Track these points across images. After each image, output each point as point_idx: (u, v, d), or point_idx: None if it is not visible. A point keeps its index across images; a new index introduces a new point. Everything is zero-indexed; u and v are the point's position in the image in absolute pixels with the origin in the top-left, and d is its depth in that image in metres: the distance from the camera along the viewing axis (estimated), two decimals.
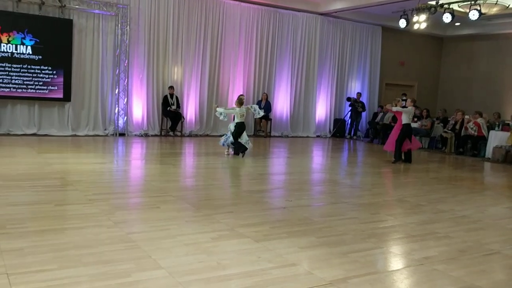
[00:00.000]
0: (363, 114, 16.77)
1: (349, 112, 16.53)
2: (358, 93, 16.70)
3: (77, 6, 12.00)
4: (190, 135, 13.99)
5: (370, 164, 10.64)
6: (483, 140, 12.96)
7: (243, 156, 9.79)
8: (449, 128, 13.94)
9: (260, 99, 15.06)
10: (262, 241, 4.23)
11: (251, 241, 4.22)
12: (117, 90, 12.73)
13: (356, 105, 16.28)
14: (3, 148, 9.33)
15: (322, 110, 16.62)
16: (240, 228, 4.59)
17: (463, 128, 13.43)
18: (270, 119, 15.28)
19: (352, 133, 16.57)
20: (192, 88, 13.98)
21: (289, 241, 4.30)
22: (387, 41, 17.55)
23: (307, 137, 16.11)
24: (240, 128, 9.88)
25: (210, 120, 14.46)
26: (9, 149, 9.21)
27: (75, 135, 12.23)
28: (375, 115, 16.49)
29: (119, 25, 12.56)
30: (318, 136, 16.43)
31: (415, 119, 13.80)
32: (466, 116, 13.58)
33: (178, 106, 13.57)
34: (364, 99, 16.97)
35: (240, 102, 10.19)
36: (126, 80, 12.79)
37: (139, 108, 13.20)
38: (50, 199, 5.42)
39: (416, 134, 14.45)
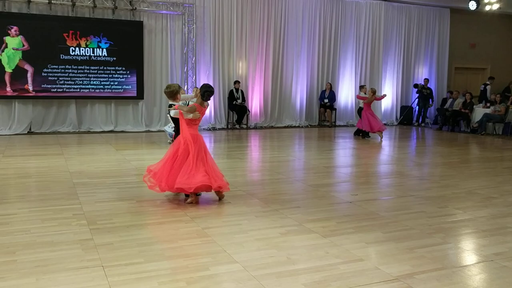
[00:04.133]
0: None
1: (417, 99, 16.12)
2: (425, 79, 16.22)
3: (146, 8, 12.63)
4: (255, 127, 14.34)
5: (440, 153, 10.42)
6: None
7: None
8: None
9: (324, 89, 15.08)
10: (330, 236, 4.40)
11: (318, 236, 4.41)
12: (185, 87, 13.28)
13: (424, 91, 15.85)
14: (86, 146, 10.12)
15: (388, 97, 16.32)
16: (307, 223, 4.79)
17: None
18: (335, 109, 15.27)
19: (420, 120, 16.18)
20: (257, 81, 14.28)
21: (356, 236, 4.44)
22: (456, 23, 16.86)
23: None
24: None
25: (275, 112, 14.75)
26: (90, 147, 9.97)
27: (149, 131, 12.96)
28: (444, 101, 15.97)
29: (186, 24, 13.07)
30: (384, 124, 16.17)
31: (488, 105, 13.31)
32: None
33: (244, 99, 13.93)
34: (432, 85, 16.47)
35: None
36: (194, 76, 13.31)
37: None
38: (132, 196, 5.91)
39: (490, 119, 13.89)
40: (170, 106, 5.60)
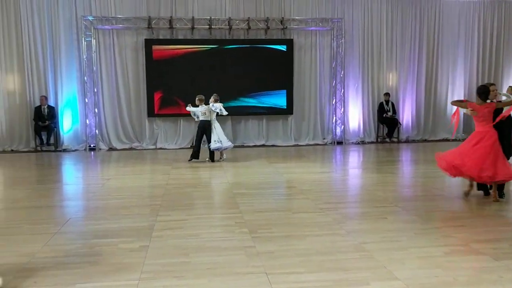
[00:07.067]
0: None
1: None
2: None
3: (296, 26, 13.07)
4: (407, 141, 13.77)
5: None
6: None
7: (211, 161, 10.03)
8: None
9: None
10: (503, 259, 4.02)
11: (489, 258, 4.05)
12: (334, 101, 13.37)
13: None
14: (241, 159, 10.73)
15: None
16: (475, 243, 4.43)
17: None
18: None
19: None
20: (408, 92, 13.78)
21: None
22: None
23: None
24: (200, 127, 10.03)
25: (428, 124, 14.03)
26: (245, 160, 10.55)
27: (297, 145, 13.28)
28: None
29: (334, 38, 13.19)
30: None
31: None
32: None
33: (394, 112, 13.50)
34: None
35: (199, 100, 10.07)
36: (342, 90, 13.32)
37: (355, 116, 13.60)
38: (287, 207, 6.13)
39: None
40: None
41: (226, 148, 10.28)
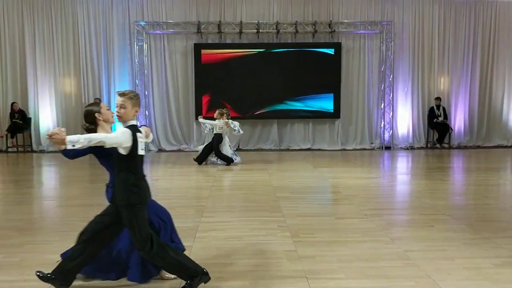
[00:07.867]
0: None
1: None
2: None
3: (344, 30, 12.96)
4: (459, 147, 13.33)
5: None
6: None
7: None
8: None
9: None
10: None
11: None
12: (382, 105, 13.13)
13: None
14: (286, 162, 10.75)
15: None
16: None
17: None
18: None
19: None
20: (460, 97, 13.34)
21: None
22: None
23: None
24: (215, 140, 9.99)
25: (482, 130, 13.51)
26: (290, 163, 10.56)
27: (344, 149, 13.13)
28: None
29: (384, 41, 12.96)
30: None
31: None
32: None
33: (445, 117, 13.10)
34: None
35: (219, 114, 10.04)
36: (391, 94, 13.06)
37: (404, 121, 13.30)
38: (331, 212, 6.08)
39: None
40: None
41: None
